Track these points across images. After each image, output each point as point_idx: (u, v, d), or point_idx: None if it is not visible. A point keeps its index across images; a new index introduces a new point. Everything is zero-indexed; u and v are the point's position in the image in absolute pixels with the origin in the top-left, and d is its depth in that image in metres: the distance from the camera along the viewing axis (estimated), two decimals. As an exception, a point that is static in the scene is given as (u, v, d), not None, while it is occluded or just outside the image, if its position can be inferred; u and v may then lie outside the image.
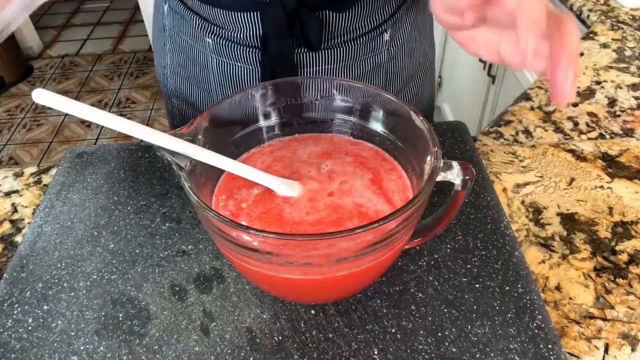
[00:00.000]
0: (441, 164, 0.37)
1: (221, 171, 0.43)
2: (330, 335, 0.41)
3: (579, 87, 0.74)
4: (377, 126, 0.46)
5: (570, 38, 0.31)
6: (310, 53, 0.58)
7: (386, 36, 0.62)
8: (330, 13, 0.56)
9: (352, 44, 0.59)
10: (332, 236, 0.33)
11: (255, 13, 0.55)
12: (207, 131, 0.41)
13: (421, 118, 0.40)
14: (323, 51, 0.59)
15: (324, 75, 0.61)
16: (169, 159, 0.36)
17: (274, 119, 0.47)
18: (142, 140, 0.36)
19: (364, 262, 0.36)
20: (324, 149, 0.47)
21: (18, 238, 0.52)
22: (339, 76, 0.62)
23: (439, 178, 0.37)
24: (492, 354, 0.39)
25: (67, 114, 2.40)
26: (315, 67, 0.60)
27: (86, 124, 2.39)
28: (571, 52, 0.31)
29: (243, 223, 0.39)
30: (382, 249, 0.35)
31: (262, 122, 0.47)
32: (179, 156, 0.36)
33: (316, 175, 0.44)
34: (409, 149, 0.43)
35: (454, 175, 0.38)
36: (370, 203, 0.41)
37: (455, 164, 0.38)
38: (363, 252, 0.34)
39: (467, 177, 0.38)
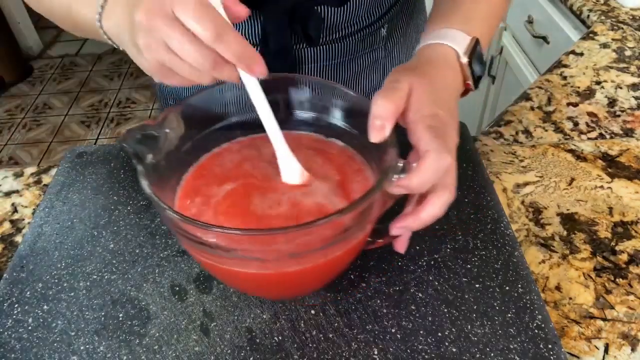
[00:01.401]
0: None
1: (187, 165, 0.44)
2: (330, 335, 0.41)
3: (578, 87, 0.74)
4: (343, 123, 0.45)
5: (418, 222, 0.39)
6: (310, 49, 0.59)
7: (383, 32, 0.62)
8: (329, 8, 0.56)
9: (350, 39, 0.60)
10: (279, 232, 0.33)
11: (254, 10, 0.55)
12: (175, 125, 0.41)
13: None
14: (322, 47, 0.59)
15: (323, 71, 0.61)
16: (130, 151, 0.36)
17: (240, 117, 0.46)
18: None
19: (319, 257, 0.36)
20: (290, 146, 0.46)
21: (18, 238, 0.52)
22: (337, 72, 0.62)
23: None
24: (492, 354, 0.39)
25: (67, 114, 2.40)
26: (314, 63, 0.60)
27: (86, 124, 2.39)
28: (416, 225, 0.39)
29: (189, 216, 0.37)
30: (335, 245, 0.35)
31: (231, 119, 0.46)
32: (143, 147, 0.36)
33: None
34: (373, 146, 0.41)
35: None
36: (330, 202, 0.40)
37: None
38: (317, 248, 0.35)
39: None
